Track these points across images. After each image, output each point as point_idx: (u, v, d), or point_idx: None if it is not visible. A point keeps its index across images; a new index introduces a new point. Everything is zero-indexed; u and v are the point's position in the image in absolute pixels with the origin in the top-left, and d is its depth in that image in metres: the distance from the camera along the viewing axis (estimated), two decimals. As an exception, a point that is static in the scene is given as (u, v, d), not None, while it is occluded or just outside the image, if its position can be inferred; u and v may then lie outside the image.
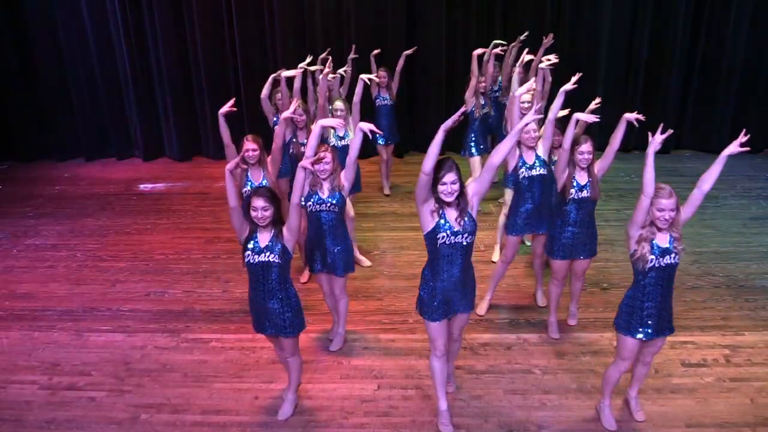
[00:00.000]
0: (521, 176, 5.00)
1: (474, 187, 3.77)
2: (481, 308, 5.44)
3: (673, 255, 3.65)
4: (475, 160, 7.07)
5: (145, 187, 8.99)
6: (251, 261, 3.87)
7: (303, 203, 4.45)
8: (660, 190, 3.60)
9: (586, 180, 4.65)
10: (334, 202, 4.59)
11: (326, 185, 4.58)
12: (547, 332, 5.13)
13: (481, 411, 4.30)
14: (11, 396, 4.61)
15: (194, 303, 5.76)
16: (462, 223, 3.68)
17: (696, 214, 3.78)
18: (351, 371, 4.77)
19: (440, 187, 3.61)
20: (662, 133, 3.79)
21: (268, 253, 3.84)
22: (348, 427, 4.20)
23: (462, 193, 3.67)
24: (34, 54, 9.72)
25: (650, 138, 3.79)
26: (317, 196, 4.57)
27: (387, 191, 8.30)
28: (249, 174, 5.09)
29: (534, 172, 4.97)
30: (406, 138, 9.91)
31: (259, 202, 3.79)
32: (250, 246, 3.86)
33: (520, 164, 4.98)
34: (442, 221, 3.68)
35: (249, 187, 5.05)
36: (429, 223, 3.71)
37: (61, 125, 10.06)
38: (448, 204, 3.67)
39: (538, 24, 9.32)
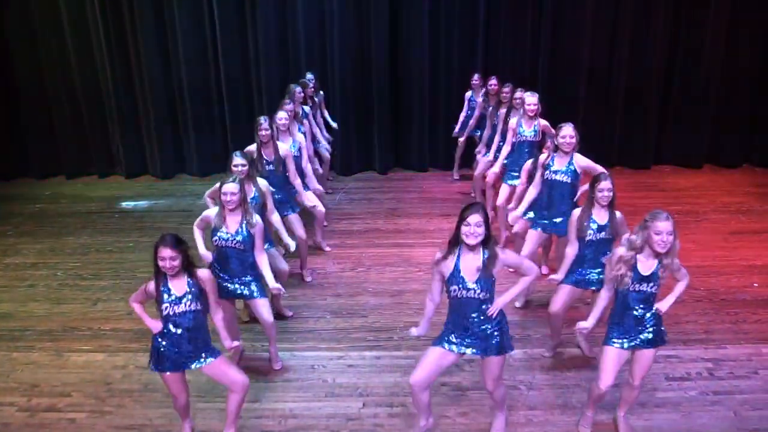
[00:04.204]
0: (545, 177, 5.25)
1: (508, 259, 3.70)
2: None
3: (652, 284, 3.69)
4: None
5: (127, 204, 8.92)
6: (170, 313, 3.71)
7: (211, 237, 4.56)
8: (657, 214, 3.60)
9: (606, 220, 4.48)
10: (239, 239, 4.49)
11: (232, 219, 4.49)
12: (545, 349, 5.10)
13: (467, 428, 4.28)
14: (-11, 418, 4.52)
15: (177, 322, 5.69)
16: (478, 278, 3.58)
17: (678, 229, 3.79)
18: (336, 389, 4.73)
19: (463, 228, 3.52)
20: None
21: (188, 302, 3.72)
22: (333, 445, 4.17)
23: (488, 240, 3.57)
24: (14, 71, 9.64)
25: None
26: (223, 231, 4.49)
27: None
28: None
29: (556, 177, 5.14)
30: (389, 156, 9.97)
31: (166, 252, 3.60)
32: (167, 299, 3.70)
33: (547, 166, 5.24)
34: (455, 271, 3.60)
35: None
36: (445, 272, 3.66)
37: (41, 143, 9.96)
38: (471, 248, 3.57)
39: (518, 46, 9.46)
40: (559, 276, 4.70)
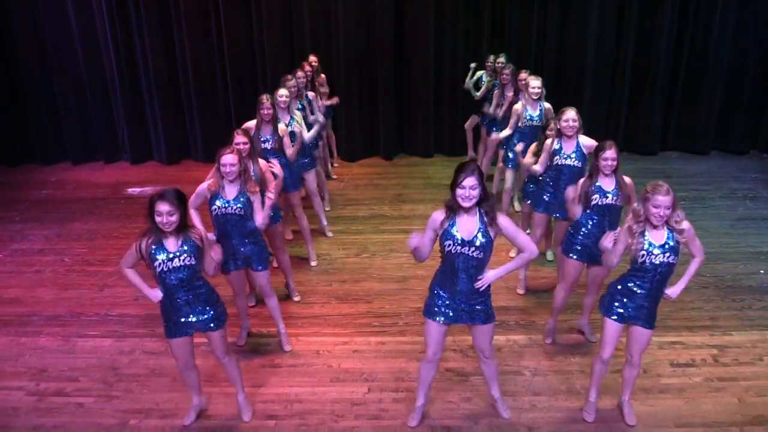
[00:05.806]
0: (555, 162, 5.17)
1: (506, 226, 3.62)
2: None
3: (668, 254, 3.63)
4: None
5: (133, 190, 8.94)
6: (164, 269, 3.65)
7: (209, 206, 4.53)
8: (658, 186, 3.58)
9: (612, 186, 4.46)
10: (239, 206, 4.49)
11: (231, 188, 4.49)
12: (543, 336, 5.11)
13: (470, 413, 4.31)
14: (-3, 402, 4.56)
15: (183, 307, 5.72)
16: (474, 234, 3.55)
17: (684, 215, 3.77)
18: (341, 374, 4.76)
19: (458, 191, 3.49)
20: None
21: (183, 257, 3.66)
22: (338, 430, 4.19)
23: (485, 200, 3.55)
24: (19, 57, 9.64)
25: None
26: (222, 200, 4.49)
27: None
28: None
29: (567, 162, 5.10)
30: (394, 141, 9.95)
31: (164, 207, 3.53)
32: (161, 257, 3.62)
33: (556, 151, 5.15)
34: (452, 228, 3.58)
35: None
36: (439, 231, 3.63)
37: (47, 129, 9.98)
38: (466, 210, 3.56)
39: (525, 29, 9.38)
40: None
